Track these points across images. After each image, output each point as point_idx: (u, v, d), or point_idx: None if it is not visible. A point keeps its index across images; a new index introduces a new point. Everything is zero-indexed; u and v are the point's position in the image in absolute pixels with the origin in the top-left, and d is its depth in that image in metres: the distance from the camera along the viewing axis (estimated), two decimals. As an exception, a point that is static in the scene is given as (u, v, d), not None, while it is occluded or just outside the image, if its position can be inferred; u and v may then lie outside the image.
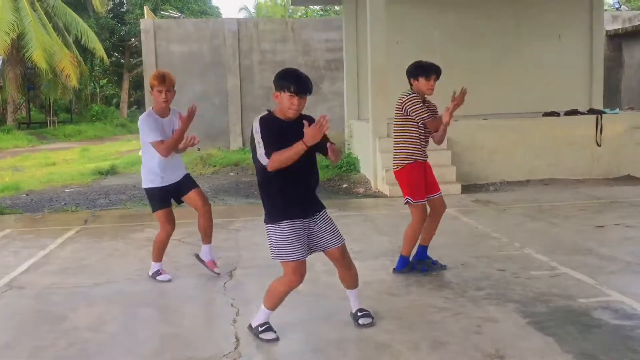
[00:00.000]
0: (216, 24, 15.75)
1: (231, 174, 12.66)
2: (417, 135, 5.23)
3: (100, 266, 6.02)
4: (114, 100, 46.55)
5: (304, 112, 3.91)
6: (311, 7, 32.24)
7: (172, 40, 15.41)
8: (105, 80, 47.07)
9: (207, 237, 5.45)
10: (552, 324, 4.12)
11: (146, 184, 5.33)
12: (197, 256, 5.55)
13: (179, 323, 4.45)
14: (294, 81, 3.76)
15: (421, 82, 5.20)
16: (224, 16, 45.96)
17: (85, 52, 32.23)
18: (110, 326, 4.37)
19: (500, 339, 3.93)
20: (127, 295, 5.10)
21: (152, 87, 5.17)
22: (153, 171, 5.27)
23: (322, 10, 37.37)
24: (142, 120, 5.17)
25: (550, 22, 13.47)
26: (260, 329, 3.99)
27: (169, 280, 5.40)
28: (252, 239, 7.04)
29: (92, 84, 44.10)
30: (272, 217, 3.88)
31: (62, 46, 28.78)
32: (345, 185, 10.86)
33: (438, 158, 9.40)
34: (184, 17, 27.50)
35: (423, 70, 5.21)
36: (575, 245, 6.23)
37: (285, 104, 3.76)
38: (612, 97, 15.73)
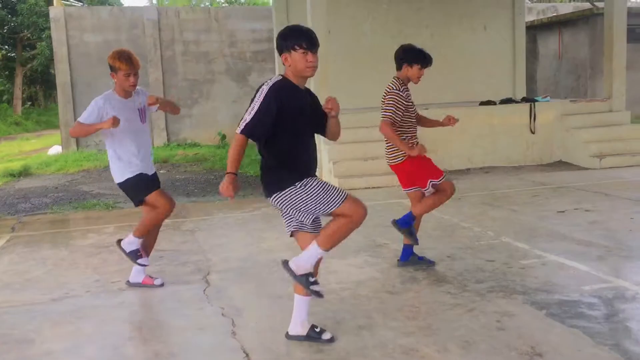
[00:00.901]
0: (134, 12, 14.80)
1: (162, 171, 11.90)
2: (410, 123, 5.00)
3: (50, 279, 5.33)
4: (4, 97, 43.38)
5: None
6: None
7: (85, 30, 14.32)
8: (-6, 76, 43.78)
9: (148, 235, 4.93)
10: (569, 315, 3.98)
11: (124, 175, 4.72)
12: (119, 242, 4.91)
13: (171, 340, 3.94)
14: (305, 37, 3.44)
15: (414, 69, 4.98)
16: (123, 3, 43.85)
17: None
18: (90, 348, 3.79)
19: (527, 334, 3.72)
20: (95, 310, 4.50)
21: (115, 70, 4.63)
22: (123, 164, 4.71)
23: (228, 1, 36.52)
24: (94, 100, 4.65)
25: (476, 13, 13.69)
26: (311, 280, 3.52)
27: (145, 265, 4.88)
28: (211, 240, 6.54)
29: (-20, 80, 40.92)
30: (287, 181, 3.47)
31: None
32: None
33: (379, 150, 9.26)
34: (83, 5, 25.92)
35: (422, 59, 5.00)
36: (548, 232, 6.21)
37: (300, 64, 3.43)
38: (530, 86, 16.26)
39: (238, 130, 3.42)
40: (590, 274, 4.82)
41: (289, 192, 3.47)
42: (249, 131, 3.40)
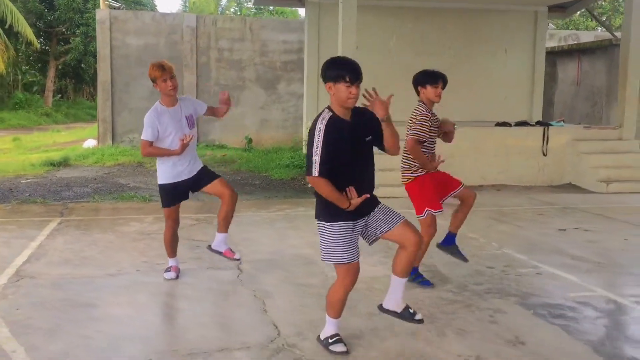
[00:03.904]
0: (175, 19, 15.68)
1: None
2: (430, 143, 5.31)
3: (103, 258, 6.09)
4: (35, 88, 44.66)
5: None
6: (275, 6, 32.06)
7: (128, 33, 15.21)
8: (27, 67, 45.09)
9: (225, 226, 5.44)
10: (553, 315, 4.64)
11: (162, 179, 5.33)
12: (210, 248, 5.55)
13: (214, 313, 4.67)
14: (349, 70, 3.63)
15: (429, 90, 5.20)
16: (158, 8, 45.07)
17: (10, 35, 30.84)
18: (147, 314, 4.53)
19: (514, 328, 4.39)
20: (146, 285, 5.24)
21: (154, 80, 5.16)
22: (167, 167, 5.28)
23: (256, 8, 37.43)
24: (146, 116, 5.22)
25: (498, 36, 14.35)
26: (330, 341, 3.90)
27: (173, 279, 5.39)
28: (241, 235, 7.26)
29: (14, 70, 42.18)
30: (324, 216, 3.77)
31: (-11, 29, 27.54)
32: (310, 185, 11.17)
33: (396, 161, 9.91)
34: (123, 7, 26.96)
35: (430, 77, 5.21)
36: (547, 246, 6.85)
37: (343, 95, 3.62)
38: (547, 110, 16.84)
39: (315, 173, 3.60)
40: (577, 284, 5.47)
41: (320, 224, 3.81)
42: (324, 169, 3.60)
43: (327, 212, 3.77)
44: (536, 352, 3.99)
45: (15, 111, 35.75)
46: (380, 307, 4.17)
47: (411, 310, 4.06)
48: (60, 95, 46.74)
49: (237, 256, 5.47)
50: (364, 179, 3.86)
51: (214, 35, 15.53)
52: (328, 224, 3.76)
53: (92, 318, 4.43)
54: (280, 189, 10.87)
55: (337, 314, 3.93)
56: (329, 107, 3.77)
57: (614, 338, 4.23)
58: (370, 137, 3.83)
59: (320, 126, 3.66)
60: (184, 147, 5.09)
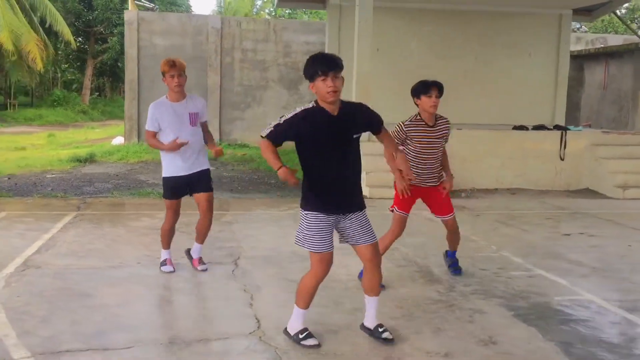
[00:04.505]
0: (200, 20, 16.04)
1: (211, 168, 12.95)
2: (412, 160, 5.28)
3: (108, 251, 6.36)
4: (74, 86, 45.88)
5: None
6: (298, 9, 32.47)
7: (155, 33, 15.61)
8: (67, 65, 46.35)
9: (200, 238, 5.76)
10: (533, 317, 4.70)
11: (165, 172, 5.56)
12: (188, 252, 5.86)
13: (200, 305, 4.88)
14: (318, 63, 3.69)
15: (423, 101, 5.19)
16: (193, 9, 45.81)
17: (49, 34, 31.73)
18: (137, 305, 4.75)
19: (490, 327, 4.48)
20: (144, 277, 5.47)
21: (163, 75, 5.38)
22: (167, 161, 5.50)
23: (290, 10, 37.76)
24: (150, 107, 5.47)
25: (521, 39, 14.27)
26: (300, 336, 3.99)
27: (171, 272, 5.59)
28: (246, 231, 7.46)
29: (54, 68, 43.40)
30: (303, 203, 3.92)
31: (29, 28, 28.33)
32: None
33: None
34: (157, 8, 27.52)
35: (422, 87, 5.20)
36: (546, 250, 6.87)
37: (322, 90, 3.69)
38: (573, 114, 16.68)
39: (263, 135, 3.85)
40: (566, 288, 5.50)
41: (300, 211, 3.97)
42: (272, 135, 3.84)
43: (305, 200, 3.94)
44: (507, 351, 4.07)
45: (54, 108, 36.81)
46: (361, 326, 4.29)
47: (380, 329, 4.14)
48: (97, 93, 47.93)
49: (201, 268, 5.67)
50: (347, 176, 3.95)
51: (238, 36, 15.82)
52: (304, 212, 3.92)
53: (85, 307, 4.67)
54: (295, 188, 11.03)
55: (306, 305, 4.03)
56: (315, 101, 3.87)
57: (587, 340, 4.28)
58: (358, 135, 3.94)
59: (298, 109, 3.89)
60: (177, 146, 5.28)
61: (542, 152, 11.63)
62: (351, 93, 11.45)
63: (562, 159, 11.65)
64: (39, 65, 29.11)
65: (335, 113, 3.82)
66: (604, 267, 6.23)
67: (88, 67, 40.37)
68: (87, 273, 5.53)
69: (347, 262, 6.05)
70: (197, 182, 5.60)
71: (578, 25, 26.69)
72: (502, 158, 11.50)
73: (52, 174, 11.84)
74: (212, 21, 15.86)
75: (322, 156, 3.85)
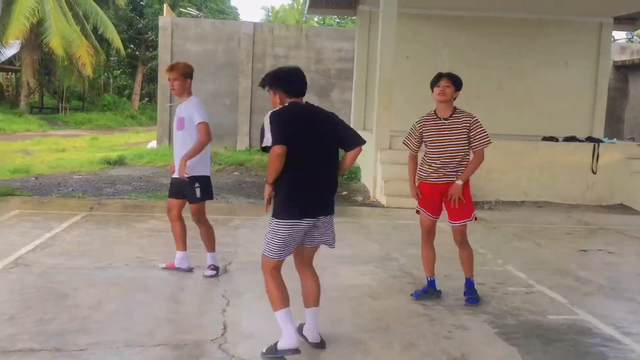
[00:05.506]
0: (233, 26, 16.15)
1: (235, 173, 12.99)
2: (427, 154, 5.19)
3: (103, 251, 6.35)
4: (126, 92, 47.05)
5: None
6: (329, 16, 32.59)
7: (188, 39, 15.79)
8: (119, 71, 47.63)
9: (207, 247, 5.73)
10: (518, 336, 4.43)
11: None
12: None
13: (172, 309, 4.78)
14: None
15: (434, 92, 5.02)
16: (241, 17, 46.43)
17: (101, 41, 32.64)
18: (109, 306, 4.69)
19: (467, 344, 4.23)
20: (126, 279, 5.42)
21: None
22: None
23: (339, 18, 37.81)
24: None
25: (557, 49, 13.80)
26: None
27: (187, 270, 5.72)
28: (249, 236, 7.37)
29: (106, 74, 44.64)
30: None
31: (80, 35, 29.26)
32: (344, 193, 11.17)
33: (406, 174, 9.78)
34: (202, 16, 27.94)
35: (434, 79, 5.07)
36: (556, 266, 6.52)
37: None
38: (615, 127, 16.02)
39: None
40: (563, 306, 5.18)
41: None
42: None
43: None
44: (476, 371, 3.83)
45: (104, 112, 37.77)
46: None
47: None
48: (147, 99, 49.00)
49: (206, 273, 5.59)
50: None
51: (270, 43, 15.85)
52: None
53: (57, 307, 4.64)
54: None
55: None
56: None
57: (569, 364, 3.99)
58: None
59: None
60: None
61: (572, 164, 11.16)
62: (374, 100, 11.30)
63: (594, 172, 11.14)
64: (88, 71, 30.01)
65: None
66: (613, 286, 5.86)
67: (138, 73, 41.36)
68: (72, 273, 5.52)
69: (340, 272, 5.90)
70: (185, 190, 5.58)
71: (630, 36, 25.68)
72: (530, 170, 11.08)
73: (79, 175, 12.06)
74: (244, 27, 15.93)
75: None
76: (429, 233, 5.26)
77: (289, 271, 4.07)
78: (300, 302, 4.08)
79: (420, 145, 5.29)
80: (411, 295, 5.25)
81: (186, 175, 5.34)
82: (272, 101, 3.98)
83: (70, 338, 4.03)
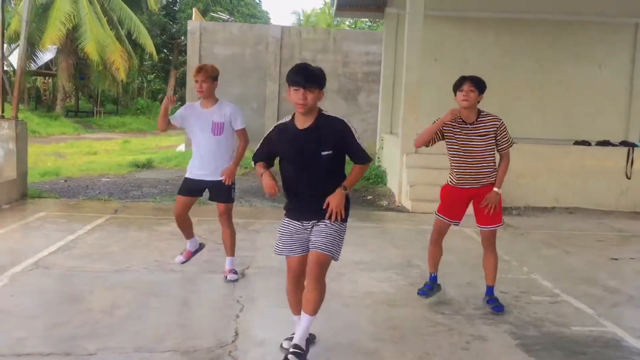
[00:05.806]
0: (261, 30, 16.16)
1: (261, 176, 12.95)
2: (452, 160, 5.09)
3: (122, 254, 6.36)
4: (160, 96, 47.63)
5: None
6: (361, 19, 32.49)
7: (216, 43, 15.86)
8: (152, 76, 48.27)
9: (227, 250, 5.70)
10: (539, 347, 4.26)
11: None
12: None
13: (185, 314, 4.73)
14: (292, 72, 3.65)
15: (457, 96, 4.88)
16: (272, 21, 46.66)
17: (135, 46, 33.11)
18: (122, 310, 4.66)
19: (485, 355, 4.08)
20: (143, 283, 5.40)
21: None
22: (192, 161, 5.61)
23: (371, 22, 37.69)
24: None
25: (591, 50, 13.49)
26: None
27: (182, 262, 5.83)
28: (269, 240, 7.24)
29: (140, 78, 45.29)
30: (286, 211, 3.99)
31: (114, 40, 29.76)
32: (369, 197, 11.05)
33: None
34: (232, 20, 28.13)
35: (457, 82, 4.93)
36: (584, 275, 6.30)
37: (292, 99, 3.66)
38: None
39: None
40: (590, 317, 4.98)
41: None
42: (254, 158, 3.97)
43: (286, 206, 3.99)
44: (493, 385, 3.68)
45: (137, 116, 38.35)
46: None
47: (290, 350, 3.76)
48: (180, 102, 49.45)
49: (229, 277, 5.56)
50: (316, 190, 3.78)
51: (298, 46, 15.82)
52: (284, 218, 4.00)
53: (71, 310, 4.63)
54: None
55: (292, 310, 3.98)
56: (293, 113, 3.81)
57: (591, 379, 3.81)
58: (329, 152, 3.73)
59: (276, 123, 4.01)
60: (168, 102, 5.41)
61: (606, 169, 10.83)
62: (400, 103, 11.16)
63: (628, 178, 10.80)
64: (122, 75, 30.51)
65: (303, 126, 3.74)
66: (643, 297, 5.62)
67: (171, 77, 41.88)
68: (89, 276, 5.53)
69: (357, 279, 5.79)
70: (215, 192, 5.63)
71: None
72: (561, 175, 10.78)
73: (107, 178, 12.18)
74: (272, 31, 15.93)
75: (290, 170, 3.86)
76: (441, 234, 5.22)
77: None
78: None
79: (434, 144, 5.13)
80: (418, 294, 5.17)
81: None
82: (316, 100, 3.67)
83: (81, 342, 4.00)
